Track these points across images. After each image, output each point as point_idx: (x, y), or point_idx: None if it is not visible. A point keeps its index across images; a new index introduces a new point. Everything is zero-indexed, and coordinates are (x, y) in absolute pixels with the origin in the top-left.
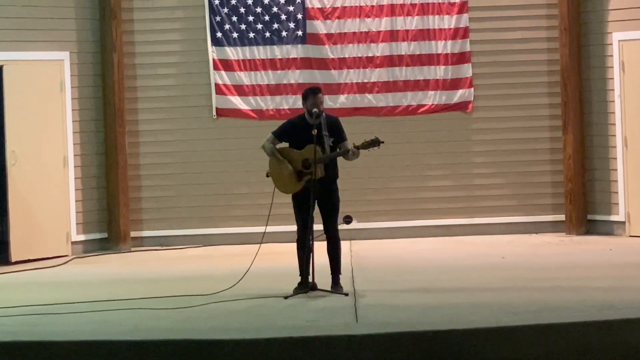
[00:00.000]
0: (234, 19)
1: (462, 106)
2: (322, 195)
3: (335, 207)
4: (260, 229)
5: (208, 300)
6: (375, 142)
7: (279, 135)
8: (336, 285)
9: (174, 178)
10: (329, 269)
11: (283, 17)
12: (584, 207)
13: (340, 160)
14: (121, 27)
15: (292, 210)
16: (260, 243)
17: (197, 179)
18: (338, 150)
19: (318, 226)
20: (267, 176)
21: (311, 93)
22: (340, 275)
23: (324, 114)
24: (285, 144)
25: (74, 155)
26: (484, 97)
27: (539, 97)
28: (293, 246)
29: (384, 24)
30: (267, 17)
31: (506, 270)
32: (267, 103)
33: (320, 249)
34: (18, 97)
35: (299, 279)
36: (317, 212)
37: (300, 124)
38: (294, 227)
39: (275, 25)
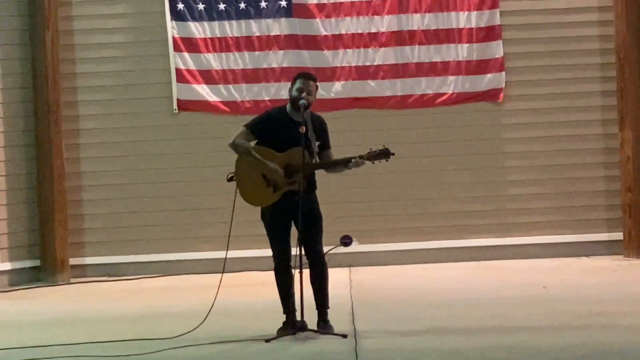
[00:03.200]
0: None
1: (490, 95)
2: (304, 211)
3: (319, 223)
4: (237, 253)
5: (169, 344)
6: (384, 154)
7: (255, 129)
8: (325, 324)
9: (124, 190)
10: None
11: None
12: None
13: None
14: None
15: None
16: (222, 272)
17: (154, 191)
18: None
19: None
20: (229, 180)
21: (300, 77)
22: (328, 310)
23: (308, 111)
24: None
25: None
26: (519, 83)
27: (589, 82)
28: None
29: None
30: None
31: (548, 304)
32: (242, 93)
33: (308, 277)
34: None
35: (283, 317)
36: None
37: (280, 119)
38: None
39: None
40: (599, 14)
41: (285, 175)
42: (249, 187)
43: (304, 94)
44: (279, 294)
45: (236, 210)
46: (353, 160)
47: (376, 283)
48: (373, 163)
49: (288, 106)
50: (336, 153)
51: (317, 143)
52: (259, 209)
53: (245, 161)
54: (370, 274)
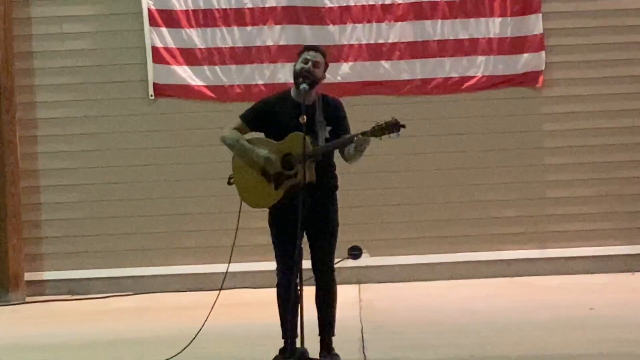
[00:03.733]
0: None
1: (528, 79)
2: (314, 214)
3: (332, 233)
4: (221, 267)
5: None
6: (393, 126)
7: (250, 120)
8: (329, 353)
9: (89, 192)
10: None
11: None
12: None
13: (340, 164)
14: None
15: (270, 238)
16: (220, 289)
17: (126, 193)
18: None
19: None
20: (230, 183)
21: (307, 49)
22: (333, 338)
23: (317, 92)
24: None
25: None
26: (562, 64)
27: None
28: (271, 293)
29: None
30: None
31: (597, 329)
32: (230, 76)
33: (311, 297)
34: None
35: (281, 342)
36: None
37: (283, 104)
38: (273, 265)
39: None
40: None
41: (284, 167)
42: (247, 186)
43: (309, 65)
44: (279, 314)
45: (225, 217)
46: (355, 139)
47: (390, 303)
48: (380, 139)
49: (292, 89)
50: None
51: (329, 129)
52: (250, 215)
53: (239, 156)
54: (383, 292)
